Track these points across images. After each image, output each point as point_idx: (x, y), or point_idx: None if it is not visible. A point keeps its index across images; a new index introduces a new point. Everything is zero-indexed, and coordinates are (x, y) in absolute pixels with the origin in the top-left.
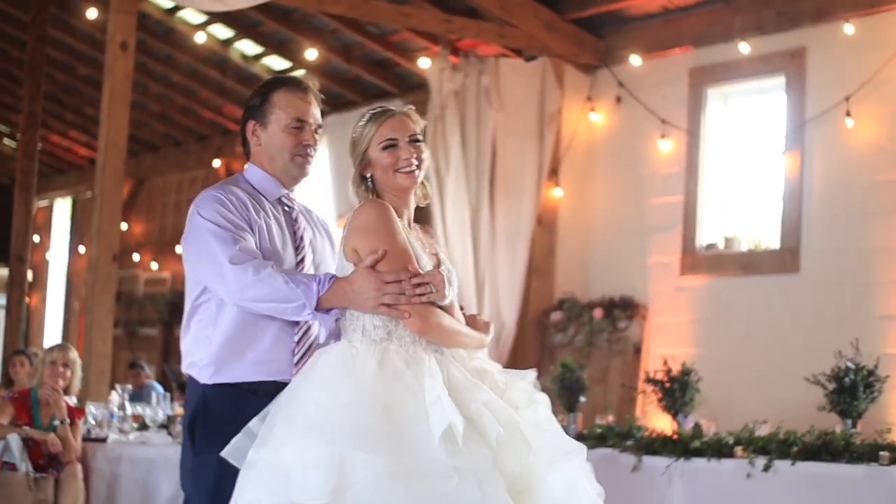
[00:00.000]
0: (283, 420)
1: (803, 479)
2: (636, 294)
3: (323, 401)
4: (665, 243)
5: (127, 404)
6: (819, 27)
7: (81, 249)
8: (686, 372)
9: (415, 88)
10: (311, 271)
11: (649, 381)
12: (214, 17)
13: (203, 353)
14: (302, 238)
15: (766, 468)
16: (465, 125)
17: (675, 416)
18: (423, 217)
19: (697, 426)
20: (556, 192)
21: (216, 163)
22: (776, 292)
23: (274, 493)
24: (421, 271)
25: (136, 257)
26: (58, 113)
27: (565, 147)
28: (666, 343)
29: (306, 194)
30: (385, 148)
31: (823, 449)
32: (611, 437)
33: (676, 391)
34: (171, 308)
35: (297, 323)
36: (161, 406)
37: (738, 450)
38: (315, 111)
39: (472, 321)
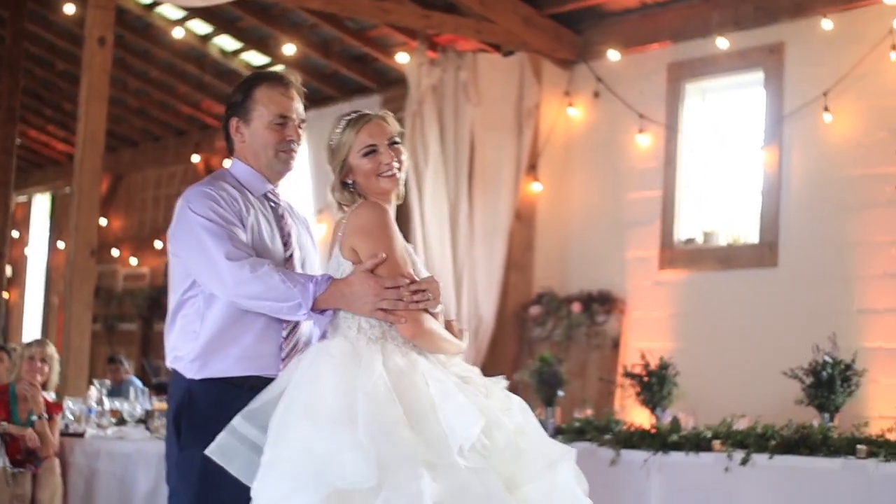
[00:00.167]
0: (301, 413)
1: (781, 473)
2: (614, 288)
3: (343, 390)
4: (643, 238)
5: (105, 399)
6: (797, 22)
7: (60, 245)
8: (664, 366)
9: (393, 84)
10: (299, 268)
11: (627, 375)
12: (193, 12)
13: (190, 348)
14: (289, 234)
15: (744, 462)
16: (443, 120)
17: (653, 410)
18: (401, 212)
19: (675, 420)
20: (535, 187)
21: (195, 158)
22: (754, 286)
23: (305, 486)
24: (417, 277)
25: (115, 253)
26: (36, 108)
27: (543, 142)
28: (644, 337)
29: (285, 190)
30: (366, 155)
31: (801, 443)
32: (589, 431)
33: (654, 385)
34: (150, 303)
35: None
36: (139, 401)
37: (717, 443)
38: (298, 106)
39: (448, 327)
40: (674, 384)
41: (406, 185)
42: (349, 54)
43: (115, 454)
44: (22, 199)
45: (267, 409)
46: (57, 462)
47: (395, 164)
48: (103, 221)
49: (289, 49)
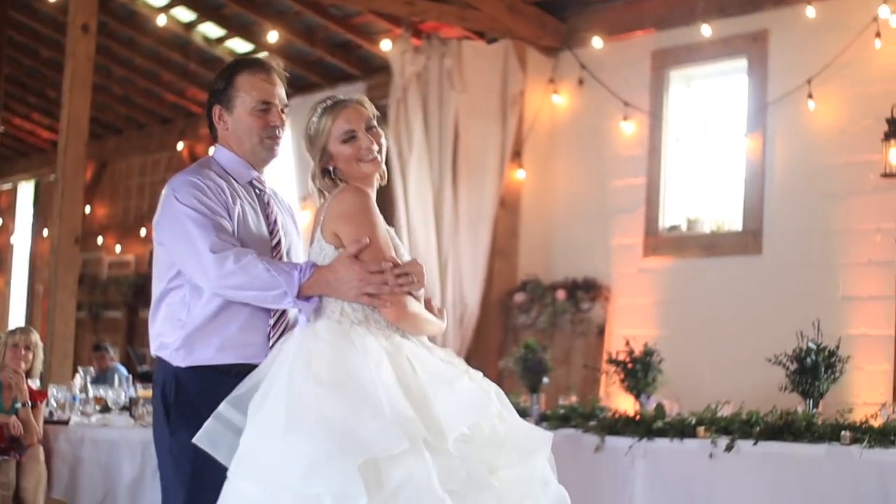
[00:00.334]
0: (320, 389)
1: (765, 459)
2: (599, 275)
3: (341, 367)
4: (628, 225)
5: (89, 386)
6: (781, 10)
7: (45, 233)
8: (648, 353)
9: (377, 71)
10: (285, 255)
11: (612, 361)
12: None
13: (175, 336)
14: (275, 222)
15: (729, 448)
16: (427, 107)
17: (637, 396)
18: (385, 199)
19: (660, 407)
20: (519, 174)
21: (179, 145)
22: (738, 274)
23: (339, 455)
24: (400, 261)
25: (99, 240)
26: (21, 96)
27: (528, 129)
28: (629, 324)
29: (269, 177)
30: (345, 141)
31: (785, 429)
32: (574, 417)
33: (639, 372)
34: (135, 290)
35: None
36: (123, 388)
37: (701, 430)
38: (280, 91)
39: (427, 307)
40: (658, 371)
41: (390, 172)
42: (333, 41)
43: (100, 441)
44: (6, 186)
45: (252, 394)
46: (41, 450)
47: (375, 148)
48: (88, 209)
49: (273, 36)
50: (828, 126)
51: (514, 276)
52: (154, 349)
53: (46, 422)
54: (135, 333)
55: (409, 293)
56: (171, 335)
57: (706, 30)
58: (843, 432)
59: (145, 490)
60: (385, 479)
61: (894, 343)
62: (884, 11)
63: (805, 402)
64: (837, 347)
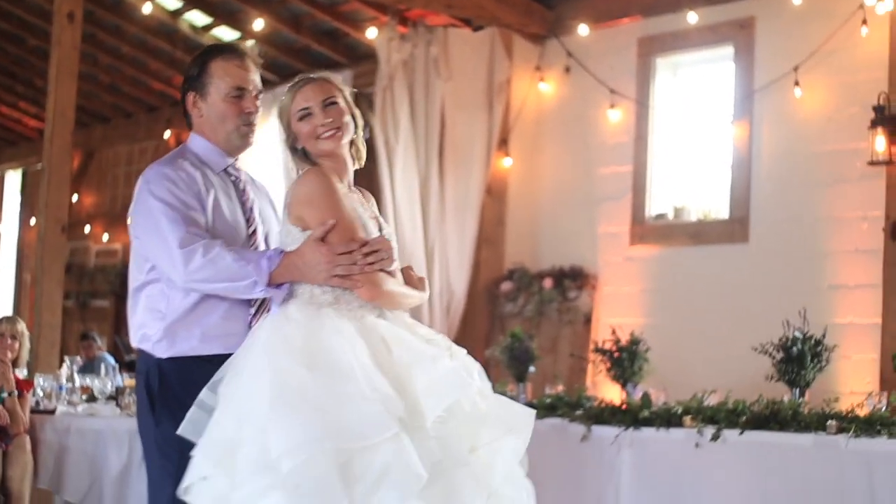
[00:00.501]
0: (301, 370)
1: (751, 449)
2: (586, 264)
3: (334, 346)
4: (614, 213)
5: (76, 376)
6: None
7: (32, 221)
8: (635, 342)
9: (363, 58)
10: (262, 242)
11: (598, 350)
12: None
13: (156, 328)
14: (252, 209)
15: (715, 437)
16: (413, 95)
17: (624, 385)
18: (372, 188)
19: (646, 396)
20: (506, 162)
21: (166, 134)
22: (725, 262)
23: (323, 440)
24: (368, 238)
25: (87, 229)
26: (8, 85)
27: (514, 117)
28: (616, 313)
29: (255, 165)
30: (301, 118)
31: (771, 418)
32: (560, 406)
33: (625, 361)
34: (122, 279)
35: None
36: (110, 377)
37: (687, 419)
38: (254, 77)
39: (407, 277)
40: (644, 360)
41: (376, 160)
42: (320, 29)
43: (86, 431)
44: None
45: None
46: (27, 439)
47: (332, 123)
48: (75, 198)
49: (259, 24)
50: (814, 113)
51: (501, 265)
52: (136, 341)
53: (33, 411)
54: (122, 322)
55: (382, 270)
56: (152, 326)
57: (692, 17)
58: (829, 422)
59: (132, 480)
60: (367, 463)
61: (881, 332)
62: None
63: (791, 391)
64: (824, 336)
